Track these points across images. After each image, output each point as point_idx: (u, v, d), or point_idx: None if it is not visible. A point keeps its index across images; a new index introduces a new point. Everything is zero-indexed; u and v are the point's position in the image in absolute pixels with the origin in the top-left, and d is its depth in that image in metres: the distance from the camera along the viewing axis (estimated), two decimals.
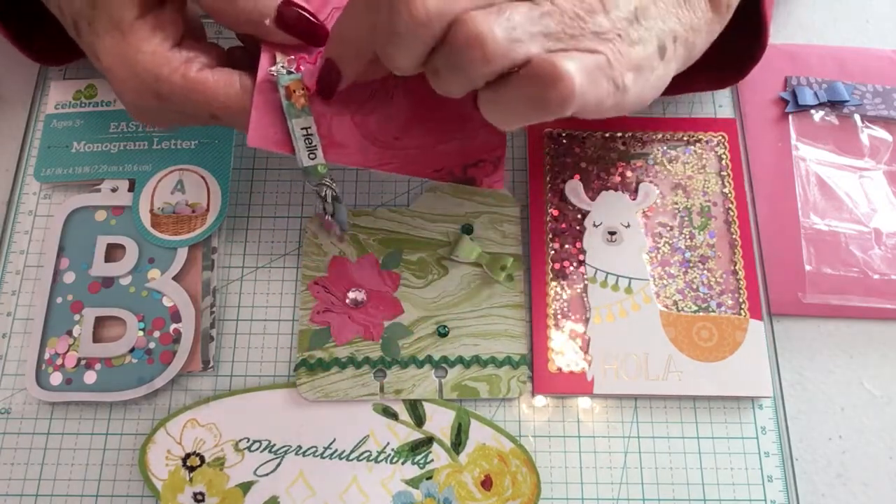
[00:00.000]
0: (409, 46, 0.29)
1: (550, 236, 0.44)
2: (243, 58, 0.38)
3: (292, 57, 0.35)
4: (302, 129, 0.35)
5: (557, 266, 0.43)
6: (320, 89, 0.35)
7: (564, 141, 0.47)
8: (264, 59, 0.36)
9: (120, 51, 0.34)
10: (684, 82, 0.40)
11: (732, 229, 0.44)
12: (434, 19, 0.28)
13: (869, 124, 0.47)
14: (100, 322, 0.42)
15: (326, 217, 0.38)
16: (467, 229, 0.44)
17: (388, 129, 0.38)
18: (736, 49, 0.41)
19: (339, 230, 0.40)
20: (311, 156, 0.36)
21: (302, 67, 0.36)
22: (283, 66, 0.35)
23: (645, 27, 0.32)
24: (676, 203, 0.45)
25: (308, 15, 0.35)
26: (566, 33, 0.30)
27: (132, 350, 0.41)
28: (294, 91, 0.35)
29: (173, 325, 0.41)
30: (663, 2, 0.33)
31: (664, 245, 0.44)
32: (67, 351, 0.41)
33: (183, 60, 0.34)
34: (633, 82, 0.32)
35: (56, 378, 0.41)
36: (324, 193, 0.37)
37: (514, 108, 0.30)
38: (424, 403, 0.40)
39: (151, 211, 0.44)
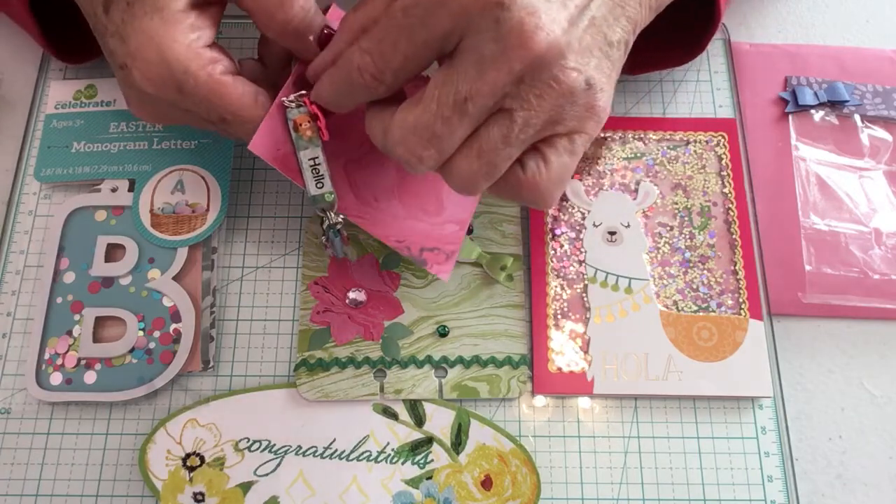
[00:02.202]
0: (415, 172, 0.33)
1: (550, 236, 0.44)
2: (255, 70, 0.38)
3: (304, 92, 0.36)
4: (309, 159, 0.36)
5: (557, 266, 0.43)
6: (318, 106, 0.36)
7: None
8: (292, 81, 0.37)
9: (156, 35, 0.34)
10: (648, 62, 0.45)
11: (732, 229, 0.44)
12: (432, 169, 0.33)
13: (869, 124, 0.47)
14: (100, 322, 0.42)
15: (324, 239, 0.39)
16: (467, 229, 0.44)
17: (370, 188, 0.40)
18: (694, 23, 0.43)
19: (333, 254, 0.41)
20: (319, 185, 0.36)
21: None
22: (293, 99, 0.36)
23: (616, 42, 0.33)
24: (676, 203, 0.45)
25: None
26: (548, 124, 0.32)
27: (132, 350, 0.41)
28: (301, 124, 0.36)
29: (173, 325, 0.41)
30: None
31: (664, 245, 0.44)
32: (67, 351, 0.41)
33: (210, 59, 0.35)
34: (608, 111, 0.34)
35: (56, 378, 0.41)
36: (324, 222, 0.38)
37: (509, 200, 0.35)
38: (424, 403, 0.40)
39: (151, 211, 0.44)
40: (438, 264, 0.40)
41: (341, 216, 0.38)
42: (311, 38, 0.35)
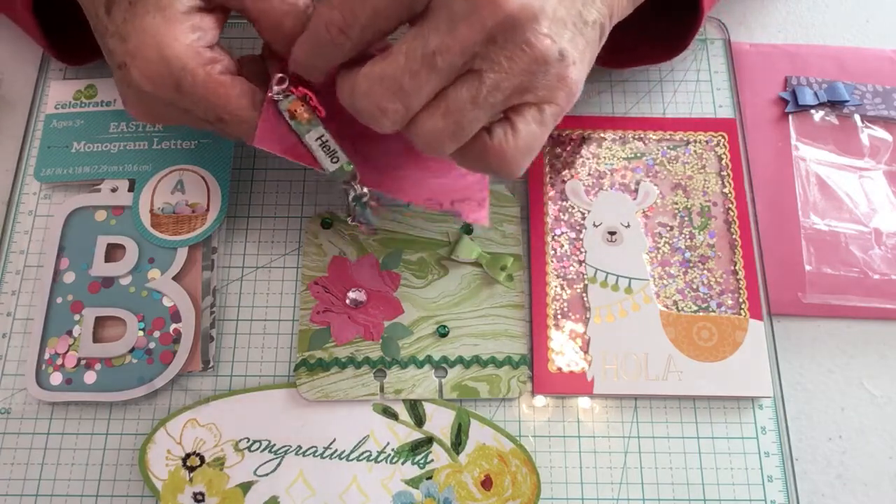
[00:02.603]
0: (381, 128, 0.33)
1: (550, 236, 0.44)
2: (257, 66, 0.38)
3: (282, 76, 0.36)
4: (316, 139, 0.36)
5: (557, 266, 0.43)
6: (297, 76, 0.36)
7: (564, 141, 0.47)
8: (275, 81, 0.37)
9: (157, 33, 0.34)
10: (630, 58, 0.45)
11: (732, 229, 0.44)
12: (398, 126, 0.32)
13: (869, 124, 0.47)
14: (100, 322, 0.42)
15: (351, 219, 0.39)
16: (467, 229, 0.44)
17: (384, 157, 0.40)
18: (678, 21, 0.44)
19: (367, 229, 0.41)
20: (334, 160, 0.36)
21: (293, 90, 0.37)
22: (279, 91, 0.36)
23: (591, 22, 0.33)
24: (676, 203, 0.45)
25: None
26: (517, 91, 0.31)
27: (132, 350, 0.41)
28: (295, 111, 0.36)
29: (173, 325, 0.41)
30: None
31: (664, 245, 0.44)
32: (67, 351, 0.41)
33: (210, 59, 0.35)
34: (580, 87, 0.34)
35: (56, 378, 0.41)
36: (350, 196, 0.38)
37: (477, 169, 0.35)
38: (424, 403, 0.40)
39: (151, 211, 0.44)
40: (473, 212, 0.40)
41: (366, 188, 0.38)
42: None
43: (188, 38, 0.34)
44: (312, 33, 0.33)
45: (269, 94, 0.36)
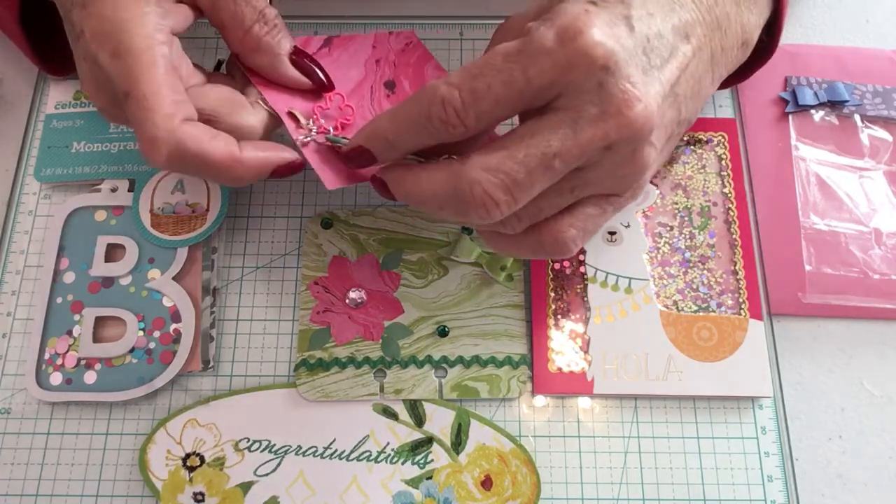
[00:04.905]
0: (489, 218, 0.31)
1: None
2: (225, 83, 0.38)
3: (311, 120, 0.37)
4: None
5: (557, 266, 0.43)
6: (349, 162, 0.35)
7: None
8: (290, 124, 0.37)
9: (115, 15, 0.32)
10: None
11: (732, 229, 0.44)
12: (503, 214, 0.31)
13: (869, 124, 0.47)
14: (100, 322, 0.42)
15: None
16: (467, 229, 0.44)
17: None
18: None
19: None
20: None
21: (322, 120, 0.38)
22: (332, 137, 0.37)
23: (683, 120, 0.33)
24: (676, 203, 0.45)
25: (317, 69, 0.37)
26: (603, 187, 0.32)
27: (132, 350, 0.41)
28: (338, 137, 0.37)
29: (173, 325, 0.41)
30: (699, 77, 0.33)
31: (664, 245, 0.44)
32: (67, 351, 0.41)
33: (161, 36, 0.33)
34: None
35: (56, 378, 0.41)
36: None
37: (525, 249, 0.34)
38: (424, 403, 0.40)
39: (151, 211, 0.44)
40: None
41: None
42: (283, 54, 0.36)
43: (148, 7, 0.33)
44: (421, 108, 0.30)
45: (309, 142, 0.37)
